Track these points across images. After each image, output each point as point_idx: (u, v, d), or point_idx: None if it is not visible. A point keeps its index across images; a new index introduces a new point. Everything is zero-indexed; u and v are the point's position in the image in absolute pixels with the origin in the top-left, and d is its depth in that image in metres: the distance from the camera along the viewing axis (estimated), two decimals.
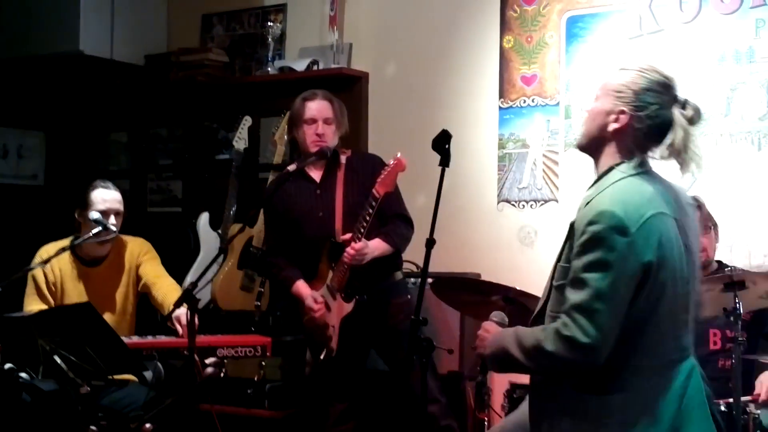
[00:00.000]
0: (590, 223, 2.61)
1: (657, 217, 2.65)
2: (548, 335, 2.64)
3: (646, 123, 2.72)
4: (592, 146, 2.82)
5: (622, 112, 2.73)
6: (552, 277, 2.79)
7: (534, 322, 2.83)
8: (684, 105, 2.74)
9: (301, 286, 4.59)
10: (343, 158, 4.63)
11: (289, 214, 4.61)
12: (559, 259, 2.75)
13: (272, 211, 4.71)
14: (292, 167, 4.47)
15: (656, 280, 2.63)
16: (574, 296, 2.61)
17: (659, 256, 2.62)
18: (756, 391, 3.84)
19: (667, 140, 2.72)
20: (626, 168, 2.73)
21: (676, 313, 2.71)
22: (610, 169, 2.74)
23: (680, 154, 2.70)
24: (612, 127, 2.75)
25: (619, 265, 2.58)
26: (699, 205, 4.21)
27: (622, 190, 2.68)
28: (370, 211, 4.33)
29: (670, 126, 2.71)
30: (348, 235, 4.38)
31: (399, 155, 4.27)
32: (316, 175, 4.62)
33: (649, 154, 2.77)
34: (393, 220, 4.53)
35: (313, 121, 4.57)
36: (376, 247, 4.44)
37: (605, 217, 2.60)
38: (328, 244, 4.50)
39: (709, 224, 4.26)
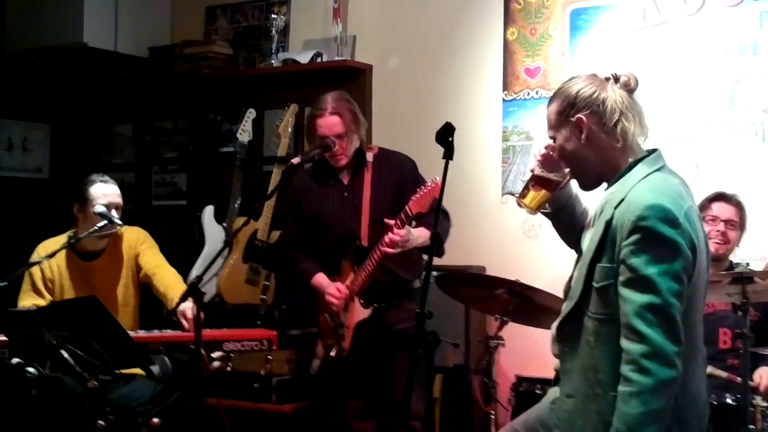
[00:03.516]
0: (640, 218, 2.56)
1: (691, 208, 2.65)
2: (632, 383, 2.53)
3: (600, 112, 2.72)
4: (593, 174, 2.81)
5: (579, 120, 2.74)
6: (585, 278, 2.70)
7: (562, 325, 2.79)
8: (617, 78, 2.76)
9: (321, 278, 4.58)
10: (369, 156, 4.55)
11: (315, 214, 4.59)
12: (597, 260, 2.67)
13: (297, 209, 4.69)
14: (296, 160, 4.44)
15: (695, 269, 2.62)
16: (642, 297, 2.54)
17: (698, 246, 2.61)
18: (756, 382, 3.86)
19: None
20: (649, 164, 2.72)
21: (701, 302, 2.72)
22: (630, 166, 2.72)
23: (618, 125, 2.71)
24: (583, 140, 2.75)
25: (680, 257, 2.55)
26: (739, 203, 4.28)
27: (659, 184, 2.66)
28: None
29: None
30: (391, 222, 4.22)
31: (437, 179, 4.12)
32: (343, 175, 4.57)
33: (640, 139, 2.76)
34: (432, 213, 4.36)
35: (325, 138, 4.47)
36: (420, 234, 4.29)
37: (656, 211, 2.56)
38: (354, 246, 4.47)
39: (740, 222, 4.29)
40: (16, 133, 6.76)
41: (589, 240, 2.75)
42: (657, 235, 2.55)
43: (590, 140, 2.74)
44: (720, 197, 4.34)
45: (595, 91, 2.74)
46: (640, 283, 2.55)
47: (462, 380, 4.98)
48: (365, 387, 4.62)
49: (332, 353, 4.56)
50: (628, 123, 2.72)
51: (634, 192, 2.64)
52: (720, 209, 4.30)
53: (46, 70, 6.63)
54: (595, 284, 2.68)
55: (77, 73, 6.65)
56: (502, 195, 5.30)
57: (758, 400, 3.68)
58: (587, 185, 2.87)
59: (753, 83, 4.69)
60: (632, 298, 2.56)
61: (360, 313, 4.47)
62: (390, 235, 4.19)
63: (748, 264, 4.18)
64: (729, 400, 3.74)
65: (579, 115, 2.73)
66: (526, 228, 5.22)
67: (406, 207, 4.15)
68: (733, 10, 4.74)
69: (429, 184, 4.10)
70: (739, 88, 4.73)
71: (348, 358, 4.53)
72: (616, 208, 2.65)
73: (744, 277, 3.68)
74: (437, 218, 3.64)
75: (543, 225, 5.14)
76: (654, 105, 4.90)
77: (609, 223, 2.65)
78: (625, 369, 2.55)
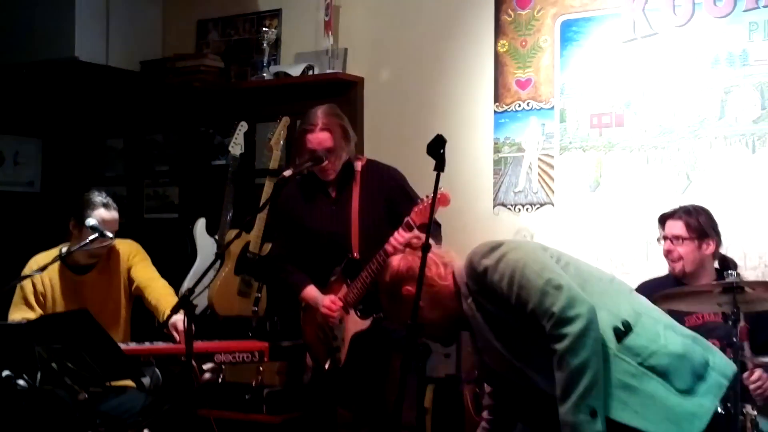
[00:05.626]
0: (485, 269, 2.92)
1: None
2: (554, 352, 2.75)
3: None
4: (448, 323, 3.19)
5: (407, 291, 3.10)
6: (512, 362, 2.98)
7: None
8: None
9: (313, 290, 4.57)
10: (358, 165, 4.56)
11: (304, 227, 4.59)
12: (509, 339, 2.96)
13: (286, 221, 4.69)
14: (287, 172, 4.44)
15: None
16: (548, 301, 2.78)
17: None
18: (747, 374, 3.87)
19: None
20: None
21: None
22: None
23: None
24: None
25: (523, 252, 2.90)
26: (686, 212, 4.25)
27: None
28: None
29: None
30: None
31: (443, 190, 4.05)
32: (331, 188, 4.56)
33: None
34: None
35: (315, 152, 4.44)
36: None
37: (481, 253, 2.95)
38: (346, 260, 4.47)
39: (692, 235, 4.24)
40: (8, 147, 6.74)
41: None
42: (498, 264, 2.95)
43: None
44: (662, 219, 4.34)
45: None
46: (533, 301, 2.88)
47: (453, 390, 4.98)
48: (356, 396, 4.62)
49: (327, 366, 4.55)
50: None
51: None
52: (668, 228, 4.29)
53: (37, 83, 6.62)
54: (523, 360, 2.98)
55: (68, 86, 6.65)
56: (494, 206, 5.30)
57: (748, 409, 3.68)
58: (450, 338, 3.24)
59: (743, 94, 4.70)
60: (548, 307, 2.81)
61: (356, 324, 4.46)
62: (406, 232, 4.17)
63: (738, 274, 4.17)
64: (719, 409, 3.72)
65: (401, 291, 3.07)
66: (518, 239, 5.21)
67: (408, 218, 4.15)
68: (722, 21, 4.76)
69: (430, 195, 4.10)
70: (729, 99, 4.74)
71: (343, 368, 4.52)
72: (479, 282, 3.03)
73: (735, 287, 3.68)
74: (429, 228, 3.64)
75: (535, 236, 5.15)
76: (644, 116, 4.92)
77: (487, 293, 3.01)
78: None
